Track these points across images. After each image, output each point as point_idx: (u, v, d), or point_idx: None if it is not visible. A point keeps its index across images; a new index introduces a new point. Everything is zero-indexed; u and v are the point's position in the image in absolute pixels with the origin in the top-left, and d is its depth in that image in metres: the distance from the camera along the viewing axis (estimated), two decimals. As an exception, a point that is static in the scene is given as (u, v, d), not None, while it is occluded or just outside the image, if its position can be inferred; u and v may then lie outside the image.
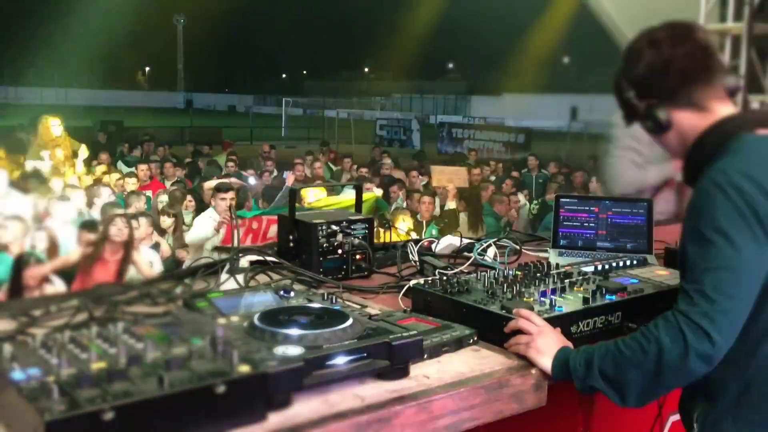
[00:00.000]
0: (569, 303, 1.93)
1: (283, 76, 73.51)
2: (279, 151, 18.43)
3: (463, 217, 8.17)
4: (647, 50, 1.81)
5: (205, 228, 6.82)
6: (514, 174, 11.53)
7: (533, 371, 1.68)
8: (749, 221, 1.60)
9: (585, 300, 1.93)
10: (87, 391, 1.18)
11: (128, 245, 5.79)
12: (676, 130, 1.82)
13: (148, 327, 1.51)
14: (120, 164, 13.50)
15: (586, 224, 2.82)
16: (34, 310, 1.84)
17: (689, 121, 1.80)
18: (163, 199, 8.24)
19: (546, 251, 2.83)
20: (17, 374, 1.23)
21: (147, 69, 76.12)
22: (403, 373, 1.56)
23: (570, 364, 1.69)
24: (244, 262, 2.28)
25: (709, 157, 1.74)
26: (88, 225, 6.15)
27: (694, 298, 1.61)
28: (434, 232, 7.33)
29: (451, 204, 7.69)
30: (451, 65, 74.99)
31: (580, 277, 2.16)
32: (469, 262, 2.54)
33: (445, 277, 2.13)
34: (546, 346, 1.71)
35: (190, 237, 6.98)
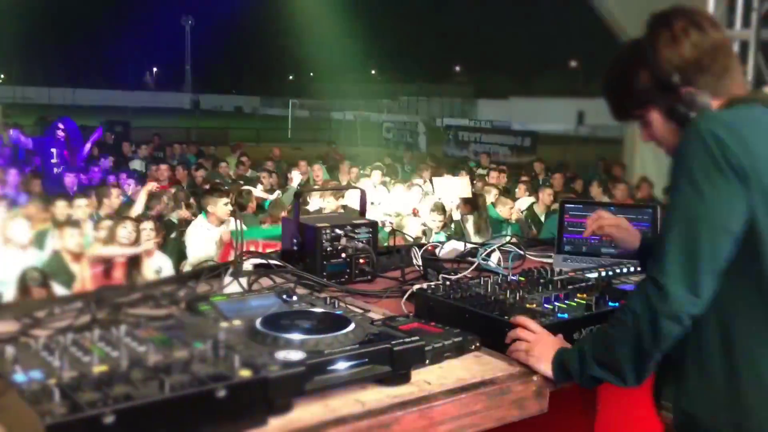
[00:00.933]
0: (572, 309, 1.92)
1: (290, 77, 73.66)
2: (284, 152, 18.45)
3: (469, 219, 8.15)
4: (692, 31, 1.67)
5: (204, 246, 6.49)
6: (525, 178, 11.50)
7: (535, 378, 1.68)
8: (724, 173, 1.51)
9: (588, 306, 1.93)
10: (88, 394, 1.18)
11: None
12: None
13: (150, 330, 1.51)
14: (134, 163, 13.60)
15: (591, 230, 2.80)
16: (38, 312, 1.84)
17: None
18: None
19: (550, 257, 2.83)
20: (19, 376, 1.23)
21: (154, 70, 76.42)
22: (405, 378, 1.55)
23: (566, 362, 1.67)
24: (248, 265, 2.28)
25: None
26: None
27: (657, 256, 1.57)
28: (441, 237, 7.31)
29: (456, 216, 7.68)
30: (458, 68, 75.01)
31: (584, 284, 2.15)
32: (473, 267, 2.53)
33: (448, 282, 2.13)
34: (544, 351, 1.70)
35: (191, 258, 6.54)
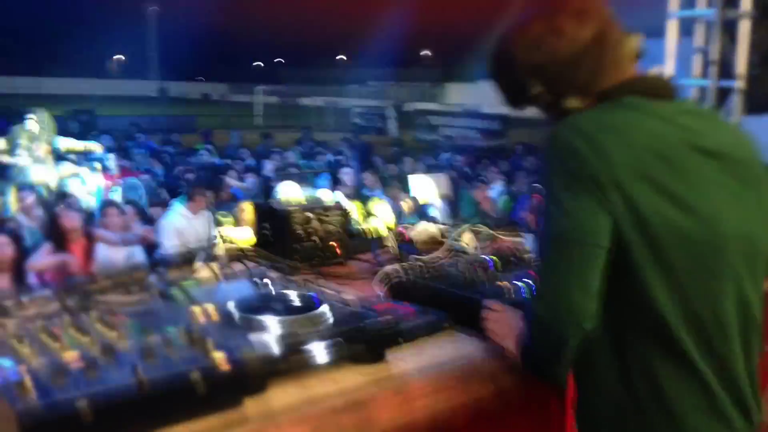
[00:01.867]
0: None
1: (259, 64, 72.94)
2: (254, 139, 18.31)
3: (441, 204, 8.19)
4: (549, 38, 1.57)
5: (179, 234, 6.43)
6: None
7: (508, 354, 1.69)
8: (583, 184, 1.41)
9: (558, 283, 1.95)
10: (60, 381, 1.17)
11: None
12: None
13: (122, 316, 1.50)
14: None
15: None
16: (6, 301, 1.81)
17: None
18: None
19: (522, 237, 2.85)
20: (-12, 365, 1.22)
21: (120, 57, 75.12)
22: (379, 358, 1.56)
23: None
24: (218, 250, 2.27)
25: None
26: None
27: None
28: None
29: (435, 213, 7.69)
30: (426, 52, 74.92)
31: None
32: (444, 247, 2.55)
33: (420, 264, 2.14)
34: (508, 329, 1.67)
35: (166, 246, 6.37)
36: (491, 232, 2.75)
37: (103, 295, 1.89)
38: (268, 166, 10.81)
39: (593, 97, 1.57)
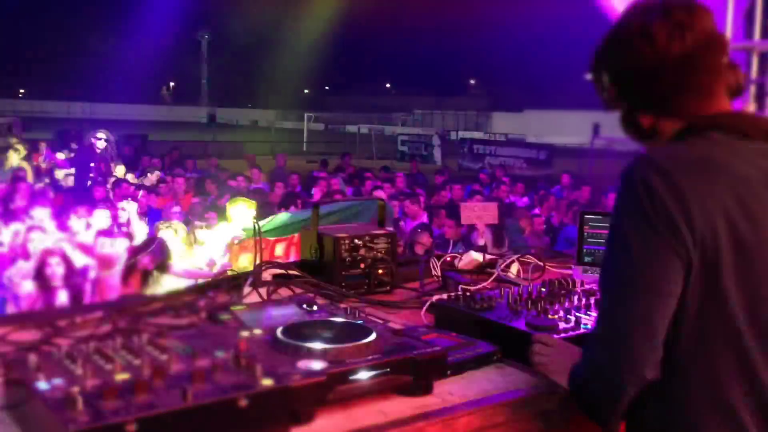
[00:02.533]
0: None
1: (306, 91, 74.11)
2: (300, 165, 18.52)
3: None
4: (638, 41, 1.48)
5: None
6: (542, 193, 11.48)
7: (561, 389, 1.65)
8: (655, 227, 1.34)
9: (611, 318, 1.90)
10: (111, 403, 1.17)
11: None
12: (662, 139, 1.52)
13: (172, 339, 1.51)
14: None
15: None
16: (59, 321, 1.84)
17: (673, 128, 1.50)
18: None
19: (570, 268, 2.80)
20: (42, 384, 1.23)
21: (171, 84, 77.12)
22: (427, 389, 1.54)
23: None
24: (267, 275, 2.28)
25: None
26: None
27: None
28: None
29: (481, 242, 7.64)
30: (472, 81, 75.12)
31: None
32: (492, 278, 2.52)
33: (468, 293, 2.11)
34: (562, 363, 1.62)
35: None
36: (540, 263, 2.71)
37: (154, 317, 1.91)
38: (316, 194, 10.89)
39: (670, 119, 1.48)
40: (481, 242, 7.14)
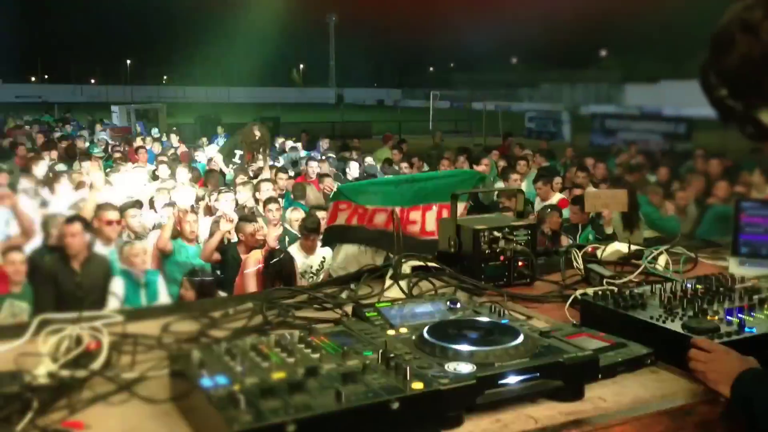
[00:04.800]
0: (761, 323, 1.75)
1: (431, 69, 73.90)
2: (425, 144, 18.54)
3: (615, 216, 7.67)
4: (741, 36, 1.39)
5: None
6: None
7: (722, 398, 1.54)
8: None
9: (780, 320, 1.76)
10: (270, 402, 1.21)
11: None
12: None
13: (322, 337, 1.54)
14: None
15: (773, 231, 2.56)
16: (213, 312, 1.94)
17: None
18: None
19: (724, 260, 2.62)
20: (206, 381, 1.29)
21: (301, 66, 79.33)
22: (578, 394, 1.49)
23: (747, 389, 1.47)
24: (406, 267, 2.29)
25: None
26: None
27: None
28: (590, 237, 6.99)
29: (608, 230, 7.25)
30: (603, 52, 71.92)
31: (772, 293, 1.96)
32: (639, 271, 2.40)
33: (616, 289, 2.02)
34: (724, 372, 1.51)
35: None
36: (692, 255, 2.55)
37: (300, 310, 1.97)
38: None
39: None
40: (609, 230, 6.81)
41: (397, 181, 6.23)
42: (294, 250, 6.31)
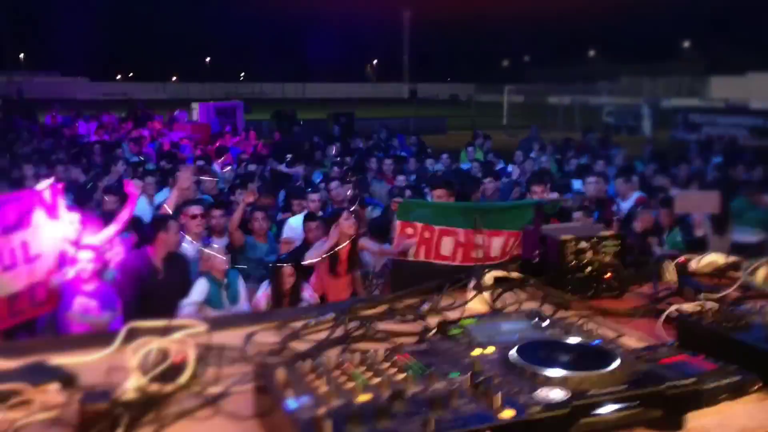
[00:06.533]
0: None
1: (505, 63, 72.86)
2: (498, 140, 18.27)
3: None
4: None
5: None
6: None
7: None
8: None
9: None
10: (356, 428, 1.18)
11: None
12: None
13: (407, 354, 1.50)
14: None
15: None
16: (293, 323, 1.92)
17: None
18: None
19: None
20: (291, 403, 1.27)
21: (374, 61, 79.66)
22: (677, 425, 1.40)
23: None
24: (489, 278, 2.22)
25: None
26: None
27: None
28: (677, 238, 6.70)
29: (699, 232, 6.92)
30: (686, 43, 69.17)
31: None
32: (737, 284, 2.26)
33: (716, 306, 1.90)
34: None
35: None
36: (796, 268, 2.39)
37: (380, 321, 1.94)
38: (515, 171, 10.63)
39: None
40: (699, 233, 6.51)
41: (466, 209, 6.16)
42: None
